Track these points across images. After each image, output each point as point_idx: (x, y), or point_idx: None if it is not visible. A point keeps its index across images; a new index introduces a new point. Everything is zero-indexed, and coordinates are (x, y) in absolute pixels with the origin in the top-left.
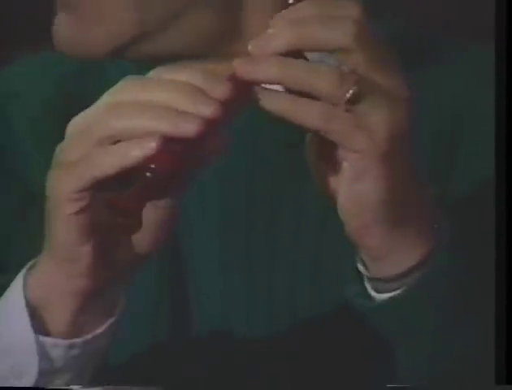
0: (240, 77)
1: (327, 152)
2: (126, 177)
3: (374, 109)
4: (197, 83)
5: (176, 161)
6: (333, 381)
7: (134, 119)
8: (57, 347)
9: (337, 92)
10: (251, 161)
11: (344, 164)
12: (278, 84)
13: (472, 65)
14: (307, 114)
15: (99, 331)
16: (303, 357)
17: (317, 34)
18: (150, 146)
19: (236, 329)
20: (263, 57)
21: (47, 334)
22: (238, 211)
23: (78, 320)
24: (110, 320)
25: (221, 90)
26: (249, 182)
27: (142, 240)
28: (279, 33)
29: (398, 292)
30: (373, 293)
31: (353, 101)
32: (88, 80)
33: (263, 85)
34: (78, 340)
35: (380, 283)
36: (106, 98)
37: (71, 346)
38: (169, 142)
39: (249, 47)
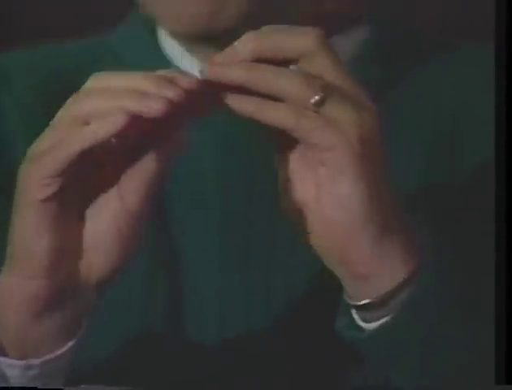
0: (209, 77)
1: (300, 169)
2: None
3: (342, 111)
4: (165, 74)
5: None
6: (331, 380)
7: (101, 100)
8: (12, 367)
9: (304, 94)
10: (250, 162)
11: (321, 170)
12: (245, 85)
13: (471, 65)
14: (277, 114)
15: (58, 352)
16: (301, 356)
17: (281, 42)
18: (118, 122)
19: (233, 329)
20: (231, 61)
21: (4, 353)
22: (238, 212)
23: (34, 335)
24: (70, 343)
25: (186, 80)
26: (249, 183)
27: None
28: (244, 44)
29: (387, 319)
30: (361, 324)
31: (320, 105)
32: (84, 74)
33: None
34: (35, 361)
35: (368, 312)
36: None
37: (28, 367)
38: (136, 120)
39: (216, 58)
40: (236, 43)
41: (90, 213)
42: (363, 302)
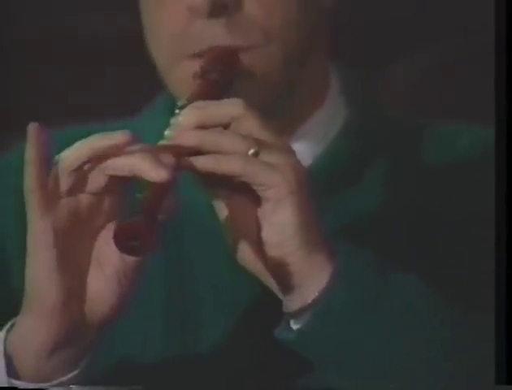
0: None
1: (242, 208)
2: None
3: (277, 158)
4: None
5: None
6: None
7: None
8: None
9: (242, 149)
10: None
11: (264, 205)
12: (198, 147)
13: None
14: (228, 165)
15: (63, 378)
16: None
17: (215, 112)
18: (162, 174)
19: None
20: (184, 132)
21: (18, 379)
22: None
23: (46, 369)
24: (74, 372)
25: (167, 158)
26: None
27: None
28: (188, 119)
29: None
30: (294, 326)
31: (256, 156)
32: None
33: None
34: (45, 385)
35: (300, 316)
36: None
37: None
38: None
39: (169, 135)
40: (181, 118)
41: (94, 262)
42: (296, 308)
